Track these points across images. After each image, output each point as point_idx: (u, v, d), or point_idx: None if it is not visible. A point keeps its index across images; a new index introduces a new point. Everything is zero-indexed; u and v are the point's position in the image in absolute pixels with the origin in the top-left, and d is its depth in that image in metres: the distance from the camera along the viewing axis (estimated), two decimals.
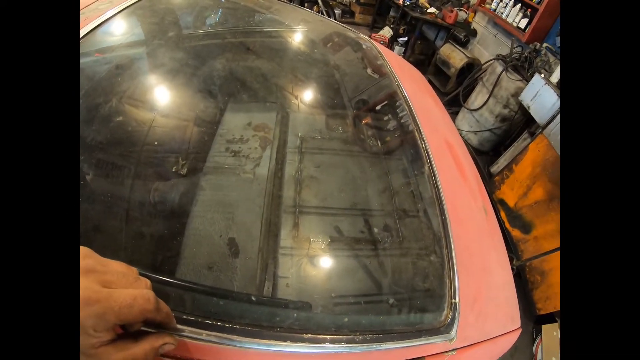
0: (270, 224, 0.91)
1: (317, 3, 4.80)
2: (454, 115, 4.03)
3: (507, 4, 3.77)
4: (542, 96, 2.67)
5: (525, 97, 2.85)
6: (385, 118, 1.46)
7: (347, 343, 0.67)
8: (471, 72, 3.94)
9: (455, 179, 1.25)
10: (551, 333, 2.23)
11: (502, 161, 3.07)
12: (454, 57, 4.23)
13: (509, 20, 3.72)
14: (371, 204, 1.11)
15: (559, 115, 2.42)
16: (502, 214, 2.80)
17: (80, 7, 1.12)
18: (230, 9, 1.82)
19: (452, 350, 0.80)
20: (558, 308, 2.17)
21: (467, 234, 1.08)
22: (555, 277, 2.23)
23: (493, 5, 4.00)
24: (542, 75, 2.72)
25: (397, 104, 1.45)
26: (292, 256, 0.87)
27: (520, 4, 3.62)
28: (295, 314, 0.71)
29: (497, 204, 2.89)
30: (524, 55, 3.22)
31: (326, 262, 0.90)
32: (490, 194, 2.98)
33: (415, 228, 1.06)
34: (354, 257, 0.92)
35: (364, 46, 1.90)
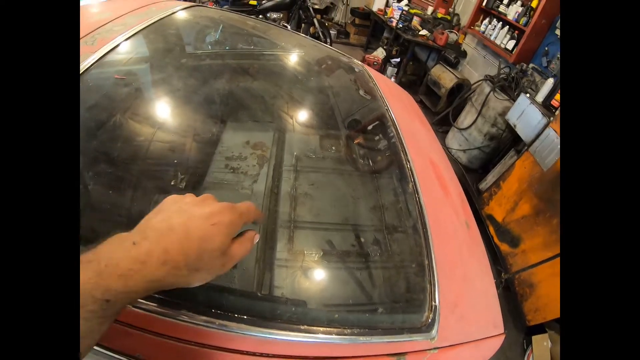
0: (266, 237, 0.98)
1: (313, 24, 4.97)
2: (444, 134, 4.16)
3: (495, 26, 3.94)
4: (527, 115, 2.79)
5: (512, 116, 2.97)
6: (374, 139, 1.56)
7: (337, 335, 0.76)
8: (461, 92, 4.08)
9: (438, 196, 1.35)
10: (541, 343, 2.27)
11: (490, 178, 3.16)
12: (445, 77, 4.38)
13: (497, 42, 3.89)
14: (360, 219, 1.20)
15: (543, 133, 2.53)
16: (491, 229, 2.88)
17: (96, 27, 1.22)
18: (231, 34, 1.94)
19: (434, 348, 0.88)
20: (548, 319, 2.22)
21: (448, 245, 1.16)
22: (543, 289, 2.28)
23: (482, 28, 4.18)
24: (528, 95, 2.85)
25: (385, 125, 1.55)
26: (287, 267, 0.95)
27: (507, 27, 3.79)
28: (292, 309, 0.80)
29: (486, 220, 2.96)
30: (511, 76, 3.35)
31: (319, 269, 0.98)
32: (479, 210, 3.07)
33: (400, 240, 1.15)
34: (344, 266, 1.00)
35: (356, 70, 2.01)
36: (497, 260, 2.77)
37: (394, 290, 1.02)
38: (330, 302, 0.90)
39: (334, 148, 1.43)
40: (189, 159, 1.11)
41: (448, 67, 4.49)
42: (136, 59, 1.27)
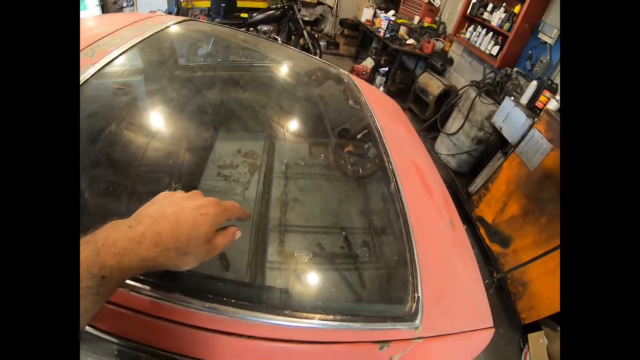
0: (258, 241, 1.02)
1: (303, 36, 5.06)
2: (433, 140, 4.24)
3: (480, 33, 4.04)
4: (512, 117, 2.88)
5: (497, 120, 3.06)
6: (358, 144, 1.62)
7: (326, 321, 0.81)
8: (448, 98, 4.17)
9: (420, 196, 1.40)
10: (537, 341, 2.29)
11: (479, 181, 3.23)
12: (432, 85, 4.46)
13: (482, 48, 3.98)
14: (345, 218, 1.25)
15: (528, 134, 2.61)
16: (482, 231, 2.93)
17: (95, 40, 1.27)
18: (223, 47, 2.01)
19: (418, 338, 0.92)
20: (542, 316, 2.25)
21: (430, 242, 1.22)
22: (536, 287, 2.32)
23: (467, 35, 4.28)
24: (512, 98, 2.94)
25: (369, 131, 1.62)
26: (279, 270, 0.99)
27: (492, 33, 3.89)
28: (283, 297, 0.86)
29: (477, 222, 3.02)
30: (496, 80, 3.45)
31: (308, 263, 1.03)
32: (469, 212, 3.13)
33: (382, 236, 1.20)
34: (331, 261, 1.06)
35: (343, 80, 2.08)
36: (489, 261, 2.82)
37: (378, 282, 1.07)
38: (317, 292, 0.96)
39: (322, 155, 1.48)
40: (182, 166, 1.16)
41: (435, 75, 4.59)
42: (133, 71, 1.33)
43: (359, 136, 1.67)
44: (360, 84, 2.11)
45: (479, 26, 4.10)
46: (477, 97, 3.43)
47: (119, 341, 0.67)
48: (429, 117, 4.40)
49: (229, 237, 0.55)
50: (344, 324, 0.82)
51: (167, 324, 0.70)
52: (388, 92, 5.02)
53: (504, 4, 3.73)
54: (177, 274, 0.74)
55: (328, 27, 7.40)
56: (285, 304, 0.84)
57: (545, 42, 3.24)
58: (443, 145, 3.97)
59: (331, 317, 0.83)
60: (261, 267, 0.95)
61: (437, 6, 5.20)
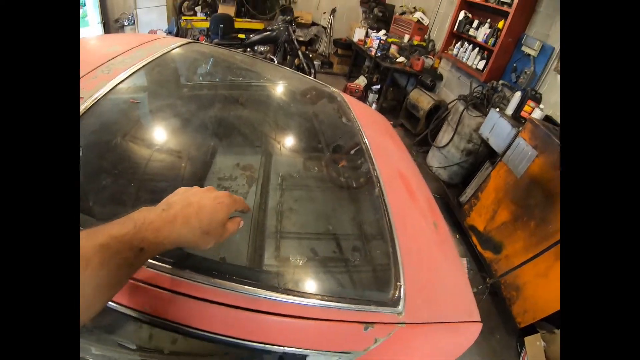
0: (255, 247, 1.11)
1: (298, 56, 5.22)
2: (424, 153, 4.35)
3: (467, 49, 4.20)
4: (498, 128, 3.00)
5: (484, 131, 3.17)
6: (347, 155, 1.74)
7: (318, 300, 0.91)
8: (438, 113, 4.32)
9: (403, 199, 1.51)
10: (534, 343, 2.32)
11: (469, 190, 3.31)
12: (422, 100, 4.60)
13: (469, 63, 4.13)
14: (334, 218, 1.37)
15: (514, 143, 2.72)
16: (474, 239, 3.00)
17: (111, 58, 1.39)
18: (224, 67, 2.16)
19: (402, 323, 0.99)
20: (537, 318, 2.29)
21: (412, 239, 1.31)
22: (529, 290, 2.38)
23: (455, 51, 4.44)
24: (497, 110, 3.06)
25: (357, 143, 1.73)
26: (280, 250, 1.14)
27: (478, 48, 4.06)
28: (282, 281, 0.96)
29: (469, 230, 3.09)
30: (483, 94, 3.59)
31: (303, 253, 1.16)
32: (461, 221, 3.21)
33: (369, 234, 1.32)
34: (323, 253, 1.18)
35: (334, 98, 2.21)
36: (482, 268, 2.88)
37: (364, 273, 1.17)
38: (312, 279, 1.07)
39: (316, 168, 1.60)
40: (184, 178, 1.27)
41: (425, 91, 4.73)
42: (144, 87, 1.46)
43: (347, 147, 1.79)
44: (350, 101, 2.23)
45: (466, 42, 4.27)
46: (465, 111, 3.55)
47: (134, 313, 0.75)
48: (420, 132, 4.51)
49: (236, 226, 0.67)
50: (334, 304, 0.91)
51: (177, 296, 0.79)
52: (380, 109, 5.18)
53: (489, 20, 3.90)
54: (189, 256, 0.84)
55: (322, 47, 7.63)
56: (286, 286, 0.93)
57: (529, 55, 3.39)
58: (434, 158, 4.08)
59: (323, 298, 0.92)
60: (273, 256, 1.10)
61: (426, 25, 5.41)
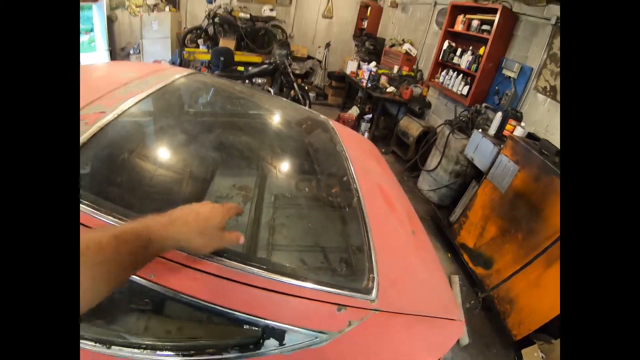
0: (251, 235, 1.28)
1: (293, 88, 5.43)
2: (415, 178, 4.46)
3: (452, 76, 4.40)
4: (481, 147, 3.11)
5: (469, 151, 3.28)
6: (332, 170, 1.88)
7: (298, 280, 1.00)
8: (427, 137, 4.45)
9: (381, 209, 1.64)
10: (532, 355, 2.31)
11: (458, 210, 3.37)
12: (412, 127, 4.75)
13: (454, 89, 4.31)
14: (316, 220, 1.53)
15: (496, 160, 2.82)
16: (465, 257, 3.03)
17: (125, 83, 1.53)
18: (225, 97, 2.37)
19: (375, 309, 1.05)
20: (532, 329, 2.29)
21: (388, 241, 1.42)
22: (522, 301, 2.39)
23: (441, 79, 4.64)
24: (480, 130, 3.19)
25: (338, 160, 1.89)
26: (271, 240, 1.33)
27: (461, 75, 4.25)
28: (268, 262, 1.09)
29: (460, 249, 3.13)
30: (467, 117, 3.72)
31: (291, 243, 1.34)
32: (452, 240, 3.25)
33: (347, 234, 1.43)
34: (307, 247, 1.34)
35: (322, 123, 2.38)
36: (475, 284, 2.89)
37: (341, 266, 1.29)
38: (291, 263, 1.21)
39: (306, 189, 1.73)
40: (182, 196, 1.41)
41: (414, 118, 4.90)
42: (156, 109, 1.63)
43: (331, 164, 1.93)
44: (338, 127, 2.39)
45: (451, 70, 4.47)
46: (451, 134, 3.68)
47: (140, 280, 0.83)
48: (411, 158, 4.62)
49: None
50: (311, 285, 1.01)
51: (178, 266, 0.87)
52: (373, 137, 5.33)
53: (471, 48, 4.10)
54: None
55: (318, 80, 7.95)
56: (270, 266, 1.03)
57: (509, 77, 3.57)
58: (425, 182, 4.18)
59: (301, 278, 1.02)
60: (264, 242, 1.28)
61: (414, 55, 5.66)
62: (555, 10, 3.15)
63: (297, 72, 7.07)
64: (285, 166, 1.90)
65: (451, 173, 3.76)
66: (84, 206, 0.85)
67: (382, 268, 1.20)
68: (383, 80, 5.51)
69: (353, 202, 1.51)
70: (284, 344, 0.93)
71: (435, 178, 3.95)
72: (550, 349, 2.28)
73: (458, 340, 2.32)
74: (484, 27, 3.83)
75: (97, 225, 0.83)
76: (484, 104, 3.68)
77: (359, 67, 6.22)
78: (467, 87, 4.09)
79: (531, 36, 3.45)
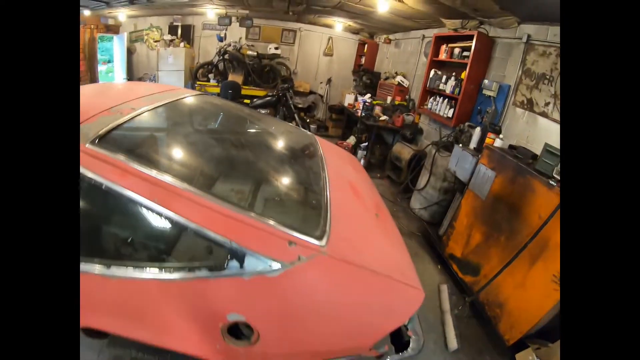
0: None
1: (295, 119, 5.78)
2: (408, 199, 4.60)
3: (438, 101, 4.66)
4: (462, 160, 3.28)
5: (452, 165, 3.45)
6: (306, 162, 2.15)
7: (261, 216, 1.24)
8: (416, 158, 4.63)
9: (346, 193, 1.90)
10: (527, 358, 2.25)
11: (445, 222, 3.49)
12: (404, 152, 4.96)
13: (441, 113, 4.56)
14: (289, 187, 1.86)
15: (475, 169, 2.99)
16: (454, 267, 3.10)
17: (149, 94, 1.90)
18: (228, 115, 2.71)
19: (324, 253, 1.23)
20: (524, 331, 2.27)
21: (347, 212, 1.66)
22: (512, 303, 2.41)
23: (429, 105, 4.90)
24: (460, 145, 3.37)
25: (315, 158, 2.16)
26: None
27: (447, 99, 4.51)
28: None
29: (449, 260, 3.21)
30: (452, 136, 3.93)
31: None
32: (442, 253, 3.34)
33: (315, 201, 1.63)
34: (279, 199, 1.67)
35: (307, 136, 2.67)
36: (462, 290, 2.94)
37: (301, 216, 1.56)
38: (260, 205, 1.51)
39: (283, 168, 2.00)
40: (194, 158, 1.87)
41: (406, 143, 5.14)
42: (169, 111, 2.00)
43: (308, 157, 2.16)
44: (321, 140, 2.65)
45: (438, 96, 4.73)
46: (437, 153, 3.89)
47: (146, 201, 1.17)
48: (404, 180, 4.81)
49: None
50: (272, 222, 1.26)
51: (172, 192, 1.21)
52: (368, 164, 5.56)
53: (454, 74, 4.37)
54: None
55: (320, 113, 8.35)
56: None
57: (490, 96, 3.79)
58: (416, 201, 4.33)
59: (265, 215, 1.28)
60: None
61: (406, 86, 5.98)
62: (525, 29, 3.44)
63: (300, 105, 7.49)
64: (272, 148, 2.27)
65: (440, 190, 3.91)
66: (131, 162, 1.22)
67: (336, 227, 1.40)
68: (377, 110, 5.79)
69: (320, 183, 1.75)
70: (244, 268, 1.14)
71: (425, 196, 4.10)
72: (546, 353, 2.19)
73: (446, 345, 2.37)
74: (465, 53, 4.12)
75: (134, 174, 1.21)
76: (467, 123, 3.88)
77: (355, 99, 6.56)
78: (452, 109, 4.32)
79: (507, 56, 3.71)
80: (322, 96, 8.26)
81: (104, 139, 1.28)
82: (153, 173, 1.23)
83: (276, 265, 1.14)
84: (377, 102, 6.03)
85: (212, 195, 1.27)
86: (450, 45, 4.48)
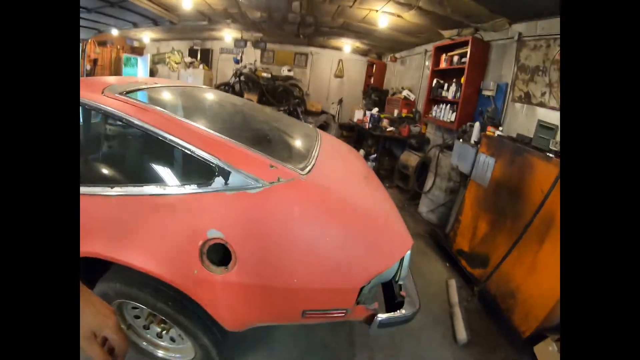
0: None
1: None
2: (416, 205, 4.61)
3: (442, 108, 4.73)
4: (463, 153, 3.31)
5: (454, 160, 3.48)
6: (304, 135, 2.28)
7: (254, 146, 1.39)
8: (425, 169, 4.66)
9: (335, 157, 2.04)
10: (546, 349, 2.08)
11: (451, 219, 3.48)
12: (411, 160, 5.01)
13: (444, 119, 4.62)
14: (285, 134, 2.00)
15: (476, 159, 3.01)
16: (463, 262, 3.06)
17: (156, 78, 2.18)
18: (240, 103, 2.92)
19: (304, 178, 1.37)
20: (540, 318, 2.13)
21: (333, 163, 1.79)
22: (524, 290, 2.30)
23: (434, 113, 4.98)
24: (460, 140, 3.41)
25: (313, 133, 2.36)
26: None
27: (449, 105, 4.58)
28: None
29: (457, 256, 3.16)
30: (455, 137, 3.96)
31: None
32: (449, 250, 3.30)
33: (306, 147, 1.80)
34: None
35: (310, 128, 2.76)
36: (471, 283, 2.87)
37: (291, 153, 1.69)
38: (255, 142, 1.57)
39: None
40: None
41: (413, 152, 5.20)
42: (187, 93, 2.28)
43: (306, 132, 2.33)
44: (323, 133, 2.73)
45: (441, 103, 4.81)
46: (440, 153, 3.95)
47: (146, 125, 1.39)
48: (412, 187, 4.84)
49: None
50: (257, 150, 1.41)
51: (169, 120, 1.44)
52: (377, 175, 5.54)
53: (454, 80, 4.47)
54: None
55: (332, 132, 8.51)
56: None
57: (489, 96, 3.86)
58: (423, 205, 4.34)
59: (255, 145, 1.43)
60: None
61: (412, 100, 6.12)
62: (517, 28, 3.56)
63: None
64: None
65: (446, 190, 3.92)
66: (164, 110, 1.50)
67: (320, 168, 1.53)
68: (385, 122, 5.91)
69: (312, 144, 1.94)
70: (228, 184, 1.25)
71: (432, 198, 4.11)
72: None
73: (455, 337, 2.25)
74: (463, 60, 4.21)
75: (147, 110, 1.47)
76: (469, 123, 3.92)
77: (364, 114, 6.71)
78: (454, 114, 4.38)
79: (502, 56, 3.81)
80: (334, 116, 8.47)
81: (130, 93, 1.58)
82: (164, 112, 1.47)
83: (257, 184, 1.24)
84: (384, 115, 6.16)
85: (209, 129, 1.44)
86: (449, 53, 4.61)
